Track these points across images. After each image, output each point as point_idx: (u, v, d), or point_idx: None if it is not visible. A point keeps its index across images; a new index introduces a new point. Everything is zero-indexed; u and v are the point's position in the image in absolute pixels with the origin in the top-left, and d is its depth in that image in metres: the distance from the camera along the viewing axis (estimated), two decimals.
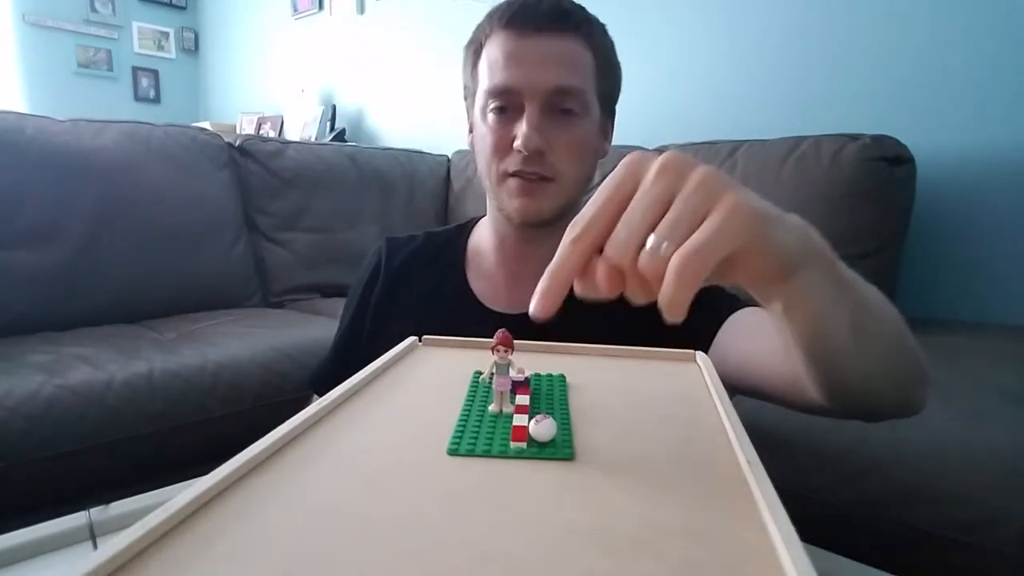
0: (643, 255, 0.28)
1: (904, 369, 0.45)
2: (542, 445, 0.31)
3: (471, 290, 0.72)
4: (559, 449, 0.31)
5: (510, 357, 0.36)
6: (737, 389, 0.59)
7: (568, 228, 0.30)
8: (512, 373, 0.37)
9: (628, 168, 0.31)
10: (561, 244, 0.30)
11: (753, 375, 0.56)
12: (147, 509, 0.23)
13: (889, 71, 1.39)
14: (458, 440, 0.32)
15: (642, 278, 0.29)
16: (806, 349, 0.40)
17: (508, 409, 0.36)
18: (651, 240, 0.28)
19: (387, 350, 0.48)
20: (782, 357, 0.47)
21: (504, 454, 0.31)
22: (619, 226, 0.29)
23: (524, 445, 0.31)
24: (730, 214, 0.28)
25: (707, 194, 0.29)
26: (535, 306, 0.30)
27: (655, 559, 0.22)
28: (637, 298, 0.30)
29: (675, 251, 0.28)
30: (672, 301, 0.27)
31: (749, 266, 0.32)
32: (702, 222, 0.28)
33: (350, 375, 0.41)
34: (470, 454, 0.31)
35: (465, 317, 0.70)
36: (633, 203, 0.30)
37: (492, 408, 0.37)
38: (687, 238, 0.28)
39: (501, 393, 0.37)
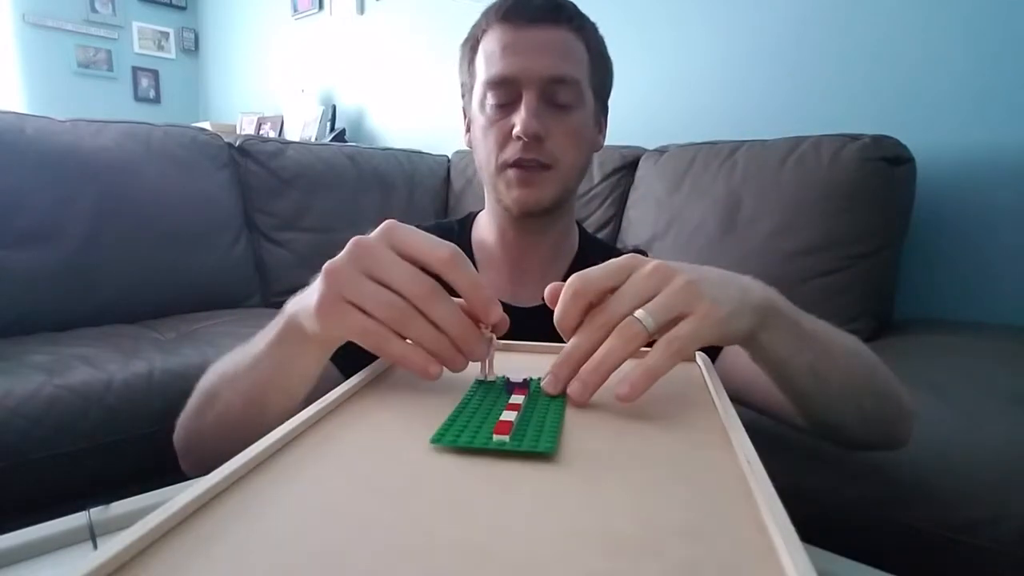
0: (630, 319, 0.37)
1: (875, 408, 0.52)
2: (524, 440, 0.31)
3: None
4: (541, 443, 0.31)
5: (490, 333, 0.40)
6: (740, 403, 0.63)
7: (569, 283, 0.38)
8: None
9: (626, 262, 0.39)
10: (562, 297, 0.39)
11: (754, 395, 0.61)
12: (147, 509, 0.23)
13: (889, 71, 1.39)
14: (443, 432, 0.32)
15: (614, 341, 0.36)
16: (776, 385, 0.49)
17: (492, 377, 0.41)
18: (640, 312, 0.37)
19: None
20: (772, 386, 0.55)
21: (486, 446, 0.30)
22: (616, 297, 0.38)
23: (507, 438, 0.31)
24: (702, 320, 0.37)
25: (688, 298, 0.37)
26: (569, 389, 0.37)
27: (655, 559, 0.22)
28: (613, 359, 0.36)
29: (656, 328, 0.36)
30: (653, 368, 0.35)
31: (713, 345, 0.40)
32: (679, 318, 0.37)
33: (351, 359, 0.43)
34: (452, 444, 0.31)
35: None
36: (628, 284, 0.38)
37: (477, 375, 0.41)
38: (667, 324, 0.37)
39: (484, 362, 0.41)
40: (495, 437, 0.31)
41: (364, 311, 0.37)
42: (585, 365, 0.37)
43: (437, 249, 0.38)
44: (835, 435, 0.55)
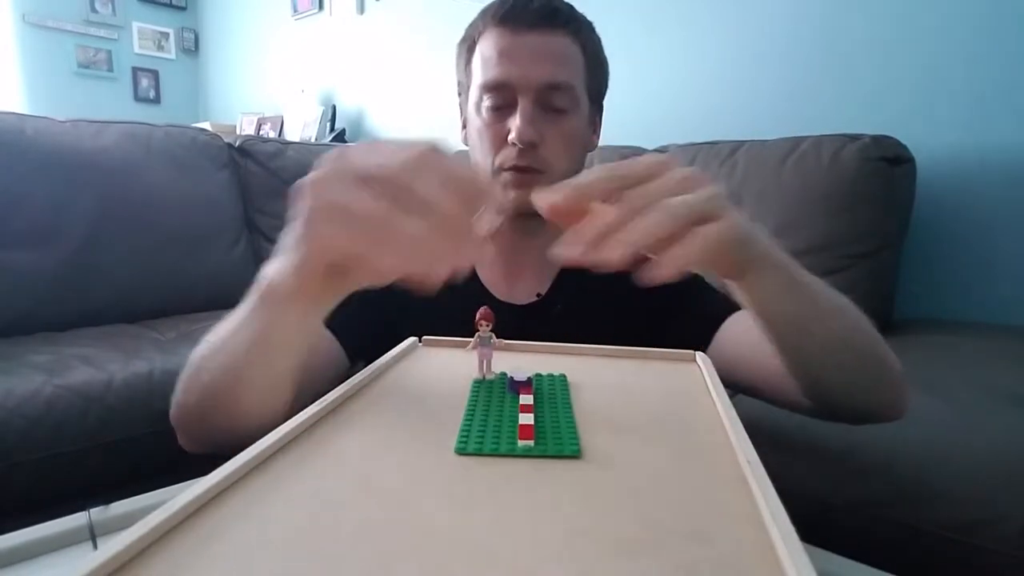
0: (672, 200, 0.36)
1: (856, 365, 0.51)
2: (548, 443, 0.31)
3: (481, 282, 0.73)
4: (565, 446, 0.31)
5: (491, 331, 0.42)
6: (731, 384, 0.62)
7: (605, 168, 0.38)
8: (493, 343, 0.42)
9: (665, 158, 0.39)
10: (590, 172, 0.38)
11: (745, 369, 0.60)
12: (147, 509, 0.23)
13: (889, 71, 1.39)
14: (465, 439, 0.32)
15: (658, 214, 0.36)
16: (762, 331, 0.49)
17: (490, 376, 0.42)
18: (676, 200, 0.36)
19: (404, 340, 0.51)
20: (770, 355, 0.52)
21: (512, 452, 0.31)
22: (654, 184, 0.38)
23: (532, 443, 0.31)
24: (729, 229, 0.38)
25: (720, 204, 0.38)
26: (543, 197, 0.38)
27: (655, 559, 0.22)
28: (657, 228, 0.35)
29: (693, 217, 0.36)
30: (681, 257, 0.35)
31: (722, 261, 0.42)
32: (708, 220, 0.37)
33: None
34: (478, 452, 0.31)
35: (476, 308, 0.71)
36: (665, 178, 0.38)
37: (476, 375, 0.42)
38: (698, 219, 0.37)
39: (483, 361, 0.42)
40: (520, 443, 0.31)
41: (351, 216, 0.33)
42: (623, 225, 0.35)
43: (418, 143, 0.35)
44: (818, 397, 0.54)
